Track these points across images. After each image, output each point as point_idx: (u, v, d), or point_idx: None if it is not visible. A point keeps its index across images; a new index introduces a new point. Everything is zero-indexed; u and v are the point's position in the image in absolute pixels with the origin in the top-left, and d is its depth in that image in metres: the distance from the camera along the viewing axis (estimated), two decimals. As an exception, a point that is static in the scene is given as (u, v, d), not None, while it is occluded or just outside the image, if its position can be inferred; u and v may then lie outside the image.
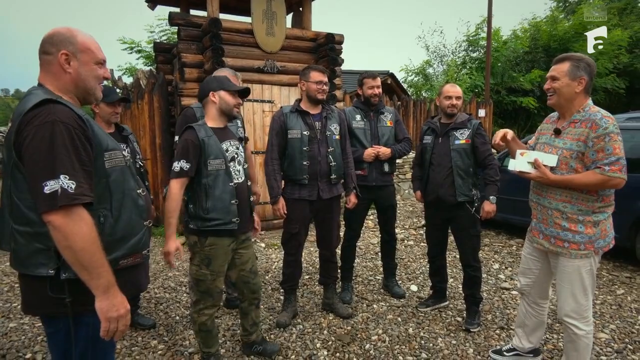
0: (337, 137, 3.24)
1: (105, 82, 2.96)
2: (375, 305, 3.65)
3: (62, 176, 1.29)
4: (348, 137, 3.40)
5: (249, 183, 2.65)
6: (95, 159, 1.43)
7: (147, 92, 6.56)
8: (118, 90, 7.57)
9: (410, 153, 8.85)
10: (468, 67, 14.77)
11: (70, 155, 1.32)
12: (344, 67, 6.84)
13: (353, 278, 4.27)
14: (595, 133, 2.11)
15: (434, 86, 14.45)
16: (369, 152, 3.51)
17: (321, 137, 3.17)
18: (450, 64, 14.91)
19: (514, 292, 3.92)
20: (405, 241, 5.74)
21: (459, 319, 3.38)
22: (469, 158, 3.10)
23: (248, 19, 6.12)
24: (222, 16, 5.91)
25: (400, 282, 4.17)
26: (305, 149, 3.12)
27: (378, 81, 3.62)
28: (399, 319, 3.40)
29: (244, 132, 3.38)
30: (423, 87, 15.01)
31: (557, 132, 2.30)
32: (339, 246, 3.81)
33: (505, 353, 2.77)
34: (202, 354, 2.64)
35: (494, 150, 3.20)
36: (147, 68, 11.28)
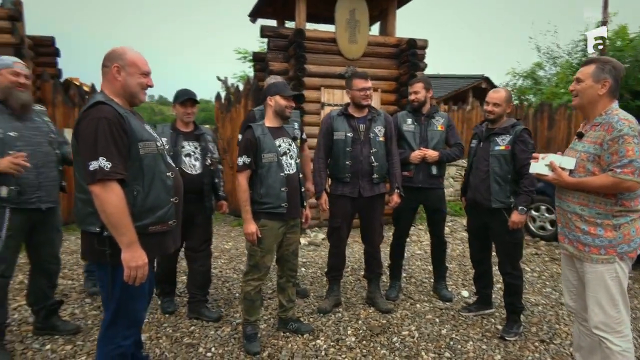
0: (381, 138, 3.42)
1: (175, 89, 3.45)
2: (418, 305, 3.72)
3: (101, 158, 1.76)
4: (395, 139, 3.55)
5: (301, 175, 3.04)
6: (131, 146, 1.88)
7: (243, 97, 7.34)
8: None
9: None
10: (586, 69, 13.34)
11: (108, 143, 1.78)
12: (433, 71, 6.84)
13: (407, 278, 4.37)
14: (611, 135, 2.07)
15: (543, 90, 13.32)
16: (416, 154, 3.61)
17: (364, 139, 3.39)
18: (563, 66, 13.63)
19: (574, 309, 3.67)
20: (477, 249, 5.58)
21: (500, 327, 3.31)
22: (508, 165, 3.05)
23: (332, 28, 6.51)
24: (309, 26, 6.37)
25: (453, 286, 4.16)
26: (348, 149, 3.37)
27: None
28: (437, 319, 3.45)
29: (302, 134, 3.70)
30: (528, 92, 13.95)
31: (580, 136, 2.29)
32: (389, 244, 3.98)
33: None
34: (243, 320, 3.05)
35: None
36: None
